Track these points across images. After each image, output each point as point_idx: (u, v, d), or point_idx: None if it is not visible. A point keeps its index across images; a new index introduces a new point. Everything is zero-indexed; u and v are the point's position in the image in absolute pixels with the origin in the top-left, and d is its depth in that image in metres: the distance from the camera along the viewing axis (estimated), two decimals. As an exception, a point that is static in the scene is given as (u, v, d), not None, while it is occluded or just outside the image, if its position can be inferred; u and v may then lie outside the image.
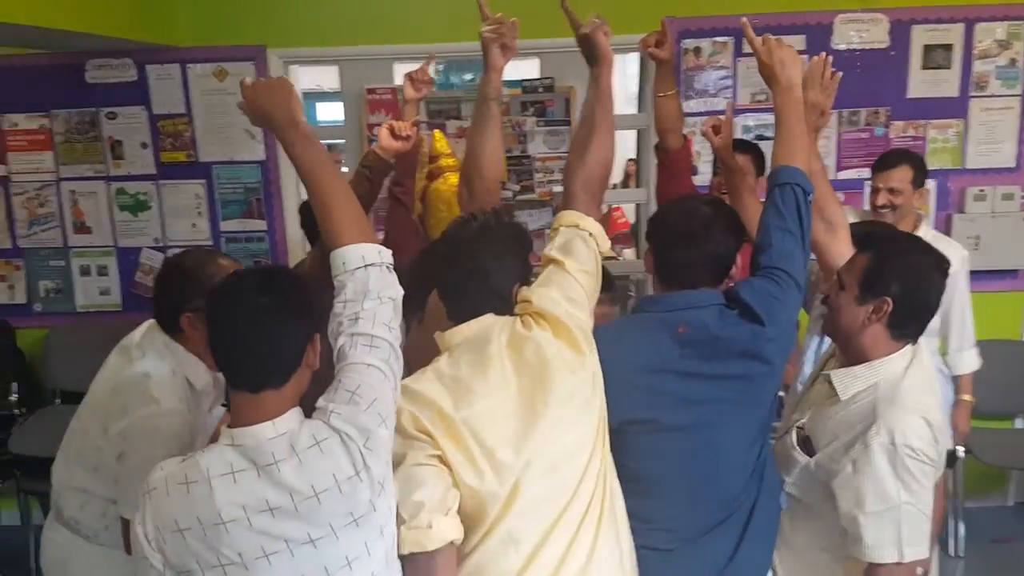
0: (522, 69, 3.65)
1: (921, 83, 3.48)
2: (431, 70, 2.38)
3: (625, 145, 4.92)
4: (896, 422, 1.56)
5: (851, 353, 1.70)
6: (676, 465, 1.63)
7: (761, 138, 3.49)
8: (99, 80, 3.58)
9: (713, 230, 1.65)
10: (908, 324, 1.66)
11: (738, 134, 3.54)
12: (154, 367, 1.75)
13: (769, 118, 3.47)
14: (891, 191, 2.77)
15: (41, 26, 2.86)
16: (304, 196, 3.50)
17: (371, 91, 3.50)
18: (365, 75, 3.54)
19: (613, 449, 1.64)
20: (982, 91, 3.48)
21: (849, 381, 1.66)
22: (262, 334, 1.23)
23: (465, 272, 1.50)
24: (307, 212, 2.86)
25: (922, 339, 2.75)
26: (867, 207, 3.49)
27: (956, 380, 2.98)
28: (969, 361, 2.99)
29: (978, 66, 3.45)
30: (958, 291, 2.88)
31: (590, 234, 1.60)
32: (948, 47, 3.44)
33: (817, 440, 1.69)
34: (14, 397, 3.66)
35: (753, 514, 1.66)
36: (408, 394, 1.39)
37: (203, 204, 3.66)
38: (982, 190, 3.53)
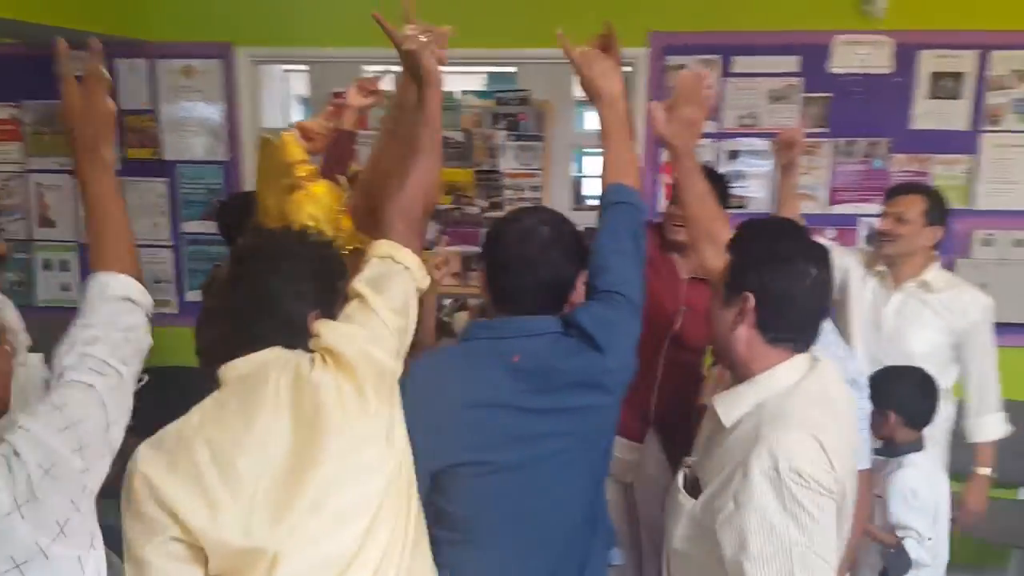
0: (494, 80, 3.47)
1: (927, 113, 3.17)
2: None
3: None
4: (779, 442, 1.28)
5: (735, 369, 1.46)
6: (504, 509, 1.46)
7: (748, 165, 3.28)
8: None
9: (551, 255, 1.48)
10: (780, 323, 1.39)
11: (724, 160, 3.31)
12: None
13: (758, 143, 3.27)
14: (898, 218, 2.45)
15: (12, 19, 2.82)
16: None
17: (337, 95, 3.36)
18: (335, 79, 3.41)
19: (434, 492, 1.45)
20: (995, 125, 3.15)
21: (731, 404, 1.41)
22: None
23: (251, 293, 1.29)
24: (225, 212, 2.71)
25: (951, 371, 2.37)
26: (863, 245, 3.23)
27: (974, 449, 2.63)
28: (991, 428, 2.60)
29: (992, 97, 3.13)
30: (978, 345, 2.53)
31: (406, 267, 1.40)
32: (959, 75, 3.13)
33: (704, 480, 1.42)
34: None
35: (585, 570, 1.51)
36: (153, 444, 1.20)
37: (165, 203, 3.58)
38: (991, 234, 3.22)
